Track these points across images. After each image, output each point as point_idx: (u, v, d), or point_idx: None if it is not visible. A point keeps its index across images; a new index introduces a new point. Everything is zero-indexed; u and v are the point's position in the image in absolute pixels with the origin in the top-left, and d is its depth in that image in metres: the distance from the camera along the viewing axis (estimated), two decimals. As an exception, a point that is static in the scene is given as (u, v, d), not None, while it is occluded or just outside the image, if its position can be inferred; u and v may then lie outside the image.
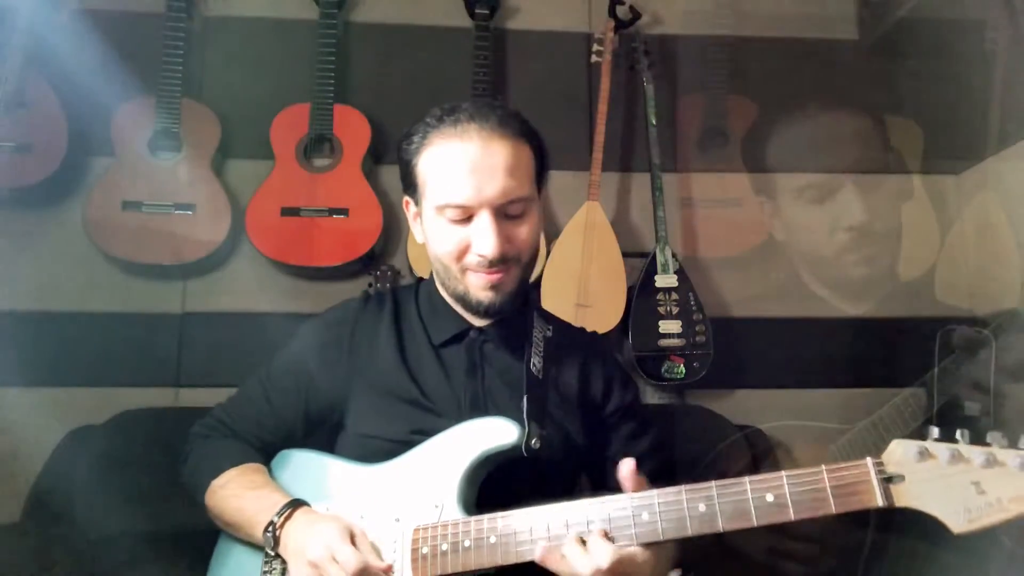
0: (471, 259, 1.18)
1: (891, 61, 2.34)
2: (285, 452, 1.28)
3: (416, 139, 1.21)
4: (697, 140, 2.30)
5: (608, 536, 0.98)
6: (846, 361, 2.19)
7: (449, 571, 1.05)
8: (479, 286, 1.20)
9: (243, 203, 2.06)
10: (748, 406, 2.15)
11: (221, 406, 1.36)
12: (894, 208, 2.26)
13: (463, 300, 1.23)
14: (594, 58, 2.24)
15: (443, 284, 1.27)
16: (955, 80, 2.18)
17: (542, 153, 1.25)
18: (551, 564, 1.00)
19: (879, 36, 2.37)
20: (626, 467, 1.02)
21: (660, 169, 2.17)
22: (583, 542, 0.99)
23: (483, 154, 1.15)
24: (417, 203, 1.25)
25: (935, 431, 0.89)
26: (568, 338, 1.37)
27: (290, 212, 2.03)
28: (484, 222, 1.15)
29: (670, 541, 0.98)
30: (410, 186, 1.24)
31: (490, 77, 2.16)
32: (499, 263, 1.17)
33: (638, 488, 1.01)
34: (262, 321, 2.04)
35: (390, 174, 2.18)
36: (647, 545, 0.98)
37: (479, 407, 1.22)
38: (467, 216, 1.16)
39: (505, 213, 1.17)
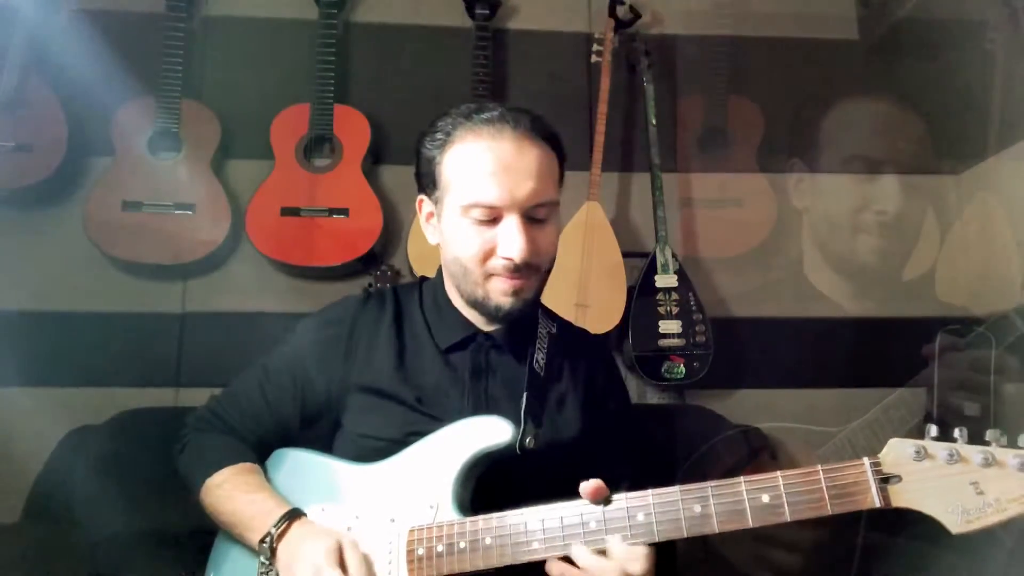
0: (495, 263, 1.15)
1: (891, 61, 2.33)
2: (280, 451, 1.27)
3: (441, 136, 1.17)
4: (697, 140, 2.30)
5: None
6: (846, 361, 2.18)
7: (445, 572, 1.04)
8: (501, 291, 1.17)
9: (243, 203, 2.06)
10: (748, 406, 2.15)
11: (217, 399, 1.34)
12: (924, 211, 2.20)
13: (480, 305, 1.20)
14: (594, 58, 2.24)
15: (458, 287, 1.23)
16: (955, 80, 2.18)
17: (563, 160, 1.24)
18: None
19: (879, 36, 2.36)
20: (590, 486, 1.02)
21: (660, 169, 2.17)
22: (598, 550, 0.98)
23: (516, 155, 1.13)
24: (435, 202, 1.21)
25: (933, 429, 0.88)
26: (572, 338, 1.36)
27: (290, 212, 2.03)
28: (512, 224, 1.13)
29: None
30: (429, 184, 1.20)
31: (490, 77, 2.16)
32: (523, 268, 1.15)
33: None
34: (262, 321, 2.04)
35: (390, 174, 2.18)
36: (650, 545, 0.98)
37: (481, 412, 1.20)
38: (493, 218, 1.13)
39: (531, 217, 1.15)
